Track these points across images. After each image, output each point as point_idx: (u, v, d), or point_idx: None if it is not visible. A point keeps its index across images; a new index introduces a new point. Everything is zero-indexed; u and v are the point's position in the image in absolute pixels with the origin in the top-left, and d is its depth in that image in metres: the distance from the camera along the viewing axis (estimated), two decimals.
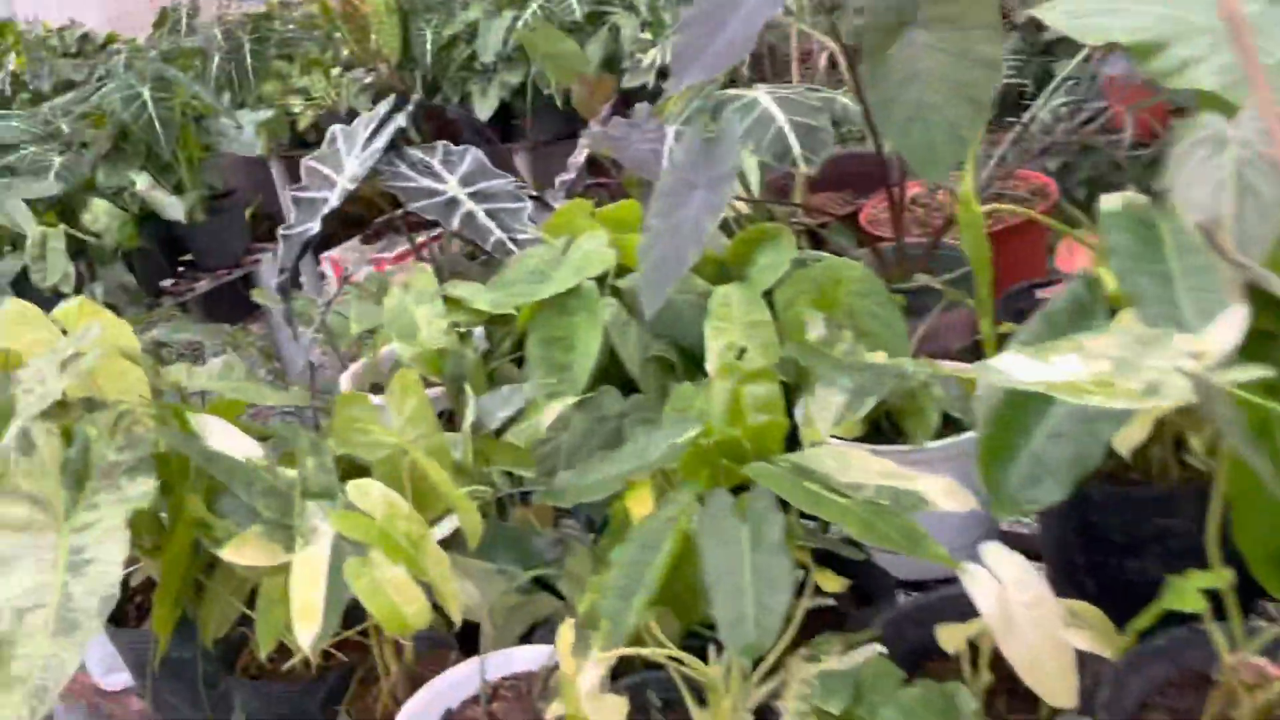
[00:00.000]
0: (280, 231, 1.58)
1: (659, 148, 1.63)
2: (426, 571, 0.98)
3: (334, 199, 1.55)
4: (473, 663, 1.05)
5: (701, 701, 0.93)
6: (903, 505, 0.95)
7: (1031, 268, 1.78)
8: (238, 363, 1.39)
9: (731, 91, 1.56)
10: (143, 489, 1.05)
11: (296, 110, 4.45)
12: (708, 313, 1.34)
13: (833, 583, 0.93)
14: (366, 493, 0.97)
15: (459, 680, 1.06)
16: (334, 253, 5.05)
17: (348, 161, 1.59)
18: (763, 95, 1.53)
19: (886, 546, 0.89)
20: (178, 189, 3.06)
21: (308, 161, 1.65)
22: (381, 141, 1.56)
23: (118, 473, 1.06)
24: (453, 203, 1.57)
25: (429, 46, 3.95)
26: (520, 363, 1.44)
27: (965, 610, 1.05)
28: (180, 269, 3.19)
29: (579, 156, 2.03)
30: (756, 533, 0.92)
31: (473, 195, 1.59)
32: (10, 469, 1.02)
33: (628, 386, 1.41)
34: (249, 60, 4.45)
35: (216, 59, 4.41)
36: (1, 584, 0.95)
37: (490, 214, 1.57)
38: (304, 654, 0.98)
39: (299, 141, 4.69)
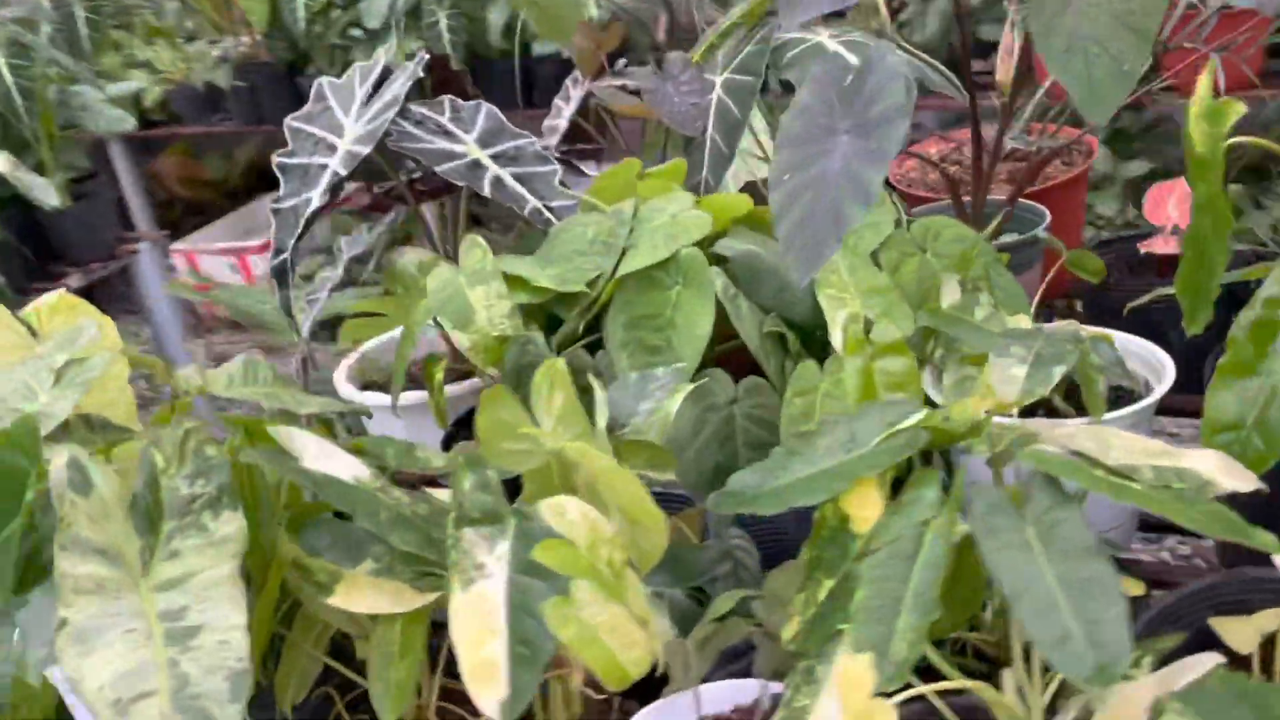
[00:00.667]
0: (270, 205, 1.32)
1: (701, 100, 1.46)
2: (630, 608, 0.79)
3: (337, 164, 1.31)
4: (670, 705, 0.86)
5: None
6: (1190, 487, 0.82)
7: (1072, 224, 1.70)
8: (262, 362, 1.15)
9: (789, 35, 1.39)
10: (231, 527, 0.81)
11: (143, 86, 4.03)
12: (816, 281, 1.19)
13: (1134, 586, 0.79)
14: (563, 512, 0.76)
15: None
16: (182, 244, 4.62)
17: (347, 121, 1.35)
18: (827, 39, 1.38)
19: (1207, 534, 0.76)
20: (38, 171, 2.67)
21: (291, 122, 1.39)
22: (391, 95, 1.32)
23: (197, 508, 0.82)
24: (476, 165, 1.35)
25: (301, 13, 3.62)
26: (592, 348, 1.24)
27: (1219, 603, 0.94)
28: (44, 263, 2.80)
29: (559, 119, 1.83)
30: (1047, 533, 0.77)
31: (495, 158, 1.38)
32: (68, 513, 0.77)
33: (723, 368, 1.24)
34: (84, 30, 3.99)
35: (46, 30, 3.93)
36: (85, 667, 0.71)
37: (519, 178, 1.37)
38: None
39: (144, 120, 4.25)
